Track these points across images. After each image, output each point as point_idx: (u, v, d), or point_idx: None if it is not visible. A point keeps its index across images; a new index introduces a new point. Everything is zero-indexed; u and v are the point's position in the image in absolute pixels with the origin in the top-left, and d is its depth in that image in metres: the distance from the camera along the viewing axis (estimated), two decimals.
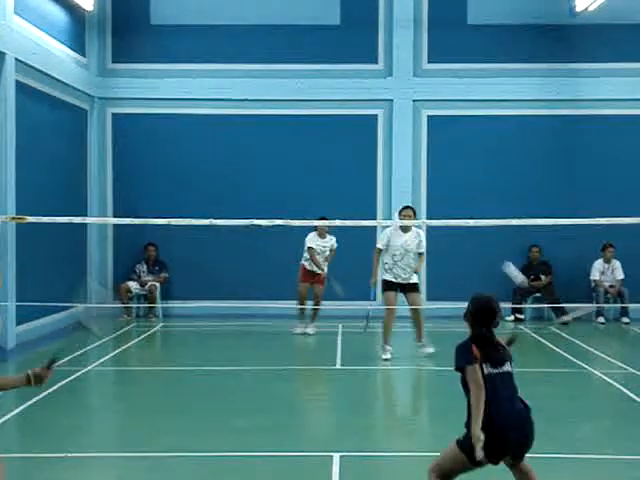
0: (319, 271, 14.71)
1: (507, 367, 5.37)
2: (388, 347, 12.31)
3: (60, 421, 8.74)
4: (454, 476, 5.33)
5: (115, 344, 13.99)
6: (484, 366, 5.27)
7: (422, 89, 17.54)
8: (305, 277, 14.85)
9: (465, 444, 5.14)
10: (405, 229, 12.40)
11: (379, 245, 12.46)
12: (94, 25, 17.51)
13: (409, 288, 12.40)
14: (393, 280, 12.30)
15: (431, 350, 12.45)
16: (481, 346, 5.33)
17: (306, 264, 14.79)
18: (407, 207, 12.68)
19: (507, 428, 5.09)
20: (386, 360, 12.17)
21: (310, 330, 14.78)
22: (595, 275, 17.07)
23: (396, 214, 12.91)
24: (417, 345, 12.66)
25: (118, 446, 8.04)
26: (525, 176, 17.58)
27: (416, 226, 12.71)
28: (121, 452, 7.71)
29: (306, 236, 14.70)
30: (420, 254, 12.42)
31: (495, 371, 5.30)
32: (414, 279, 12.46)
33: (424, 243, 12.48)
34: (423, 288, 17.49)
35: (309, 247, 14.61)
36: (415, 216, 12.63)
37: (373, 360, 12.34)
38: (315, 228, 14.66)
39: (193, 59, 17.61)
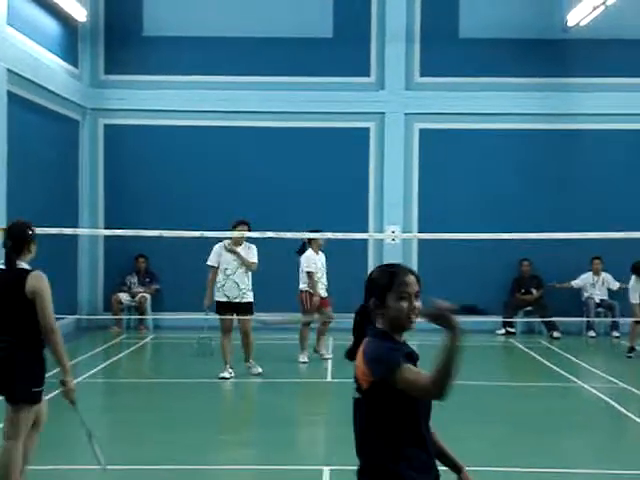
0: (325, 294, 13.51)
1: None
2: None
3: (48, 433, 8.68)
4: None
5: (105, 356, 13.94)
6: None
7: (414, 102, 17.59)
8: (314, 305, 13.30)
9: None
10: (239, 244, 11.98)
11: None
12: (87, 36, 17.52)
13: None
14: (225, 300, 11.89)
15: (259, 370, 12.06)
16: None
17: (310, 289, 13.22)
18: (242, 222, 12.06)
19: None
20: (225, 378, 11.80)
21: (327, 354, 13.79)
22: (580, 286, 17.11)
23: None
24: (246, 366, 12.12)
25: (109, 458, 7.99)
26: (516, 190, 17.61)
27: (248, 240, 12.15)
28: (112, 465, 7.66)
29: (300, 251, 13.38)
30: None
31: None
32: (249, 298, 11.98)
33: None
34: None
35: (309, 272, 13.13)
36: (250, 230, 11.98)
37: None
38: (308, 242, 13.32)
39: (185, 71, 17.62)
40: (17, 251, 6.00)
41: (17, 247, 6.01)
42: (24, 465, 6.15)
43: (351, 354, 3.68)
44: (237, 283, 11.88)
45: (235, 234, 11.82)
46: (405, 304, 3.54)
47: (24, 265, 5.99)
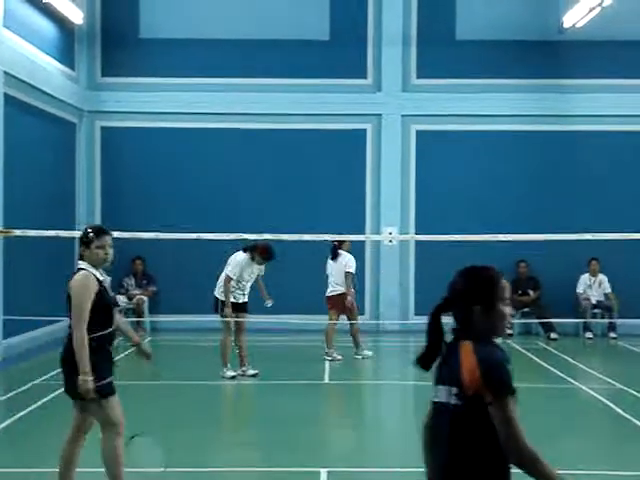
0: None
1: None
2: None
3: (44, 436, 8.68)
4: None
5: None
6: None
7: (411, 104, 17.60)
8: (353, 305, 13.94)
9: None
10: None
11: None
12: (83, 39, 17.51)
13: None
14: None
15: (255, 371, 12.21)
16: None
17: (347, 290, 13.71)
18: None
19: None
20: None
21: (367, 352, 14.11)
22: (579, 288, 17.12)
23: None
24: (242, 370, 12.23)
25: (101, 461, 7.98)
26: (513, 191, 17.63)
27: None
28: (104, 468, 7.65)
29: (334, 254, 13.76)
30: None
31: None
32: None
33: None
34: (411, 303, 17.56)
35: (352, 272, 13.66)
36: None
37: (361, 375, 12.33)
38: (339, 246, 13.74)
39: (182, 73, 17.61)
40: (80, 253, 6.34)
41: (80, 250, 6.35)
42: (72, 469, 6.32)
43: (426, 361, 3.53)
44: (246, 289, 12.18)
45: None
46: (508, 310, 3.51)
47: (82, 265, 6.18)
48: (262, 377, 12.04)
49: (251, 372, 12.16)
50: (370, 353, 13.94)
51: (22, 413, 9.47)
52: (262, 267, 12.32)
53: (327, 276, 13.90)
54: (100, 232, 6.30)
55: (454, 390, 3.35)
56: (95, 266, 6.20)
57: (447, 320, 3.55)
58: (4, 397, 10.70)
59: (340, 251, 13.75)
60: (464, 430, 3.33)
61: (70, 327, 6.06)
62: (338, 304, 13.70)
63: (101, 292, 6.12)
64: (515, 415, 3.25)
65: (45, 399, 10.22)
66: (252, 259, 12.05)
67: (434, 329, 3.54)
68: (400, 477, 7.49)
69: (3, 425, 9.04)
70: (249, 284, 12.25)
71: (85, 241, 6.23)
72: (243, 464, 7.65)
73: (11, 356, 13.51)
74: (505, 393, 3.27)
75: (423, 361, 3.53)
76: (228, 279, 11.91)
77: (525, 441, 3.24)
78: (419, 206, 17.71)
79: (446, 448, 3.38)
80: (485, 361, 3.32)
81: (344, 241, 13.79)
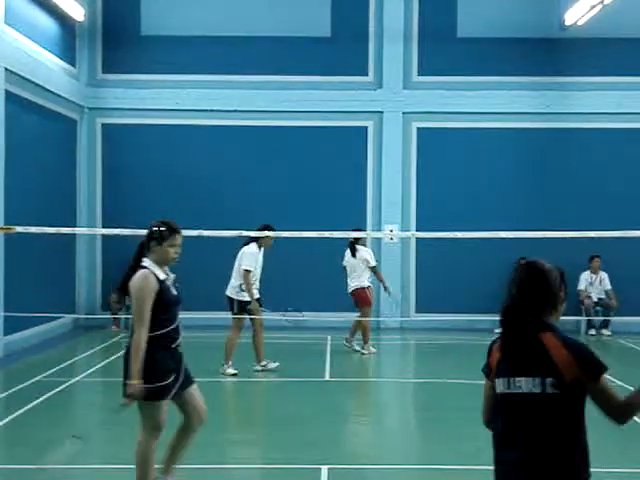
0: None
1: None
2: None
3: (46, 432, 8.69)
4: None
5: (103, 355, 13.93)
6: None
7: (412, 101, 17.59)
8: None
9: None
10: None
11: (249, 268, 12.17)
12: (84, 35, 17.51)
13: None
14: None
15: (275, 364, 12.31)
16: None
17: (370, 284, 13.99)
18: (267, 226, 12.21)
19: None
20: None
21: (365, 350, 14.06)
22: (581, 286, 17.12)
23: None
24: (261, 366, 12.27)
25: (105, 458, 7.99)
26: (514, 189, 17.63)
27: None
28: (108, 464, 7.67)
29: (352, 251, 13.83)
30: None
31: None
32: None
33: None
34: (411, 300, 17.55)
35: (375, 266, 13.99)
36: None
37: (363, 372, 12.33)
38: (355, 241, 13.82)
39: (183, 70, 17.61)
40: (147, 248, 6.04)
41: (146, 244, 6.06)
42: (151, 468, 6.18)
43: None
44: (259, 283, 12.17)
45: (259, 234, 11.92)
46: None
47: (145, 263, 5.97)
48: (262, 375, 12.03)
49: (272, 365, 12.22)
50: (374, 351, 13.95)
51: (22, 410, 9.47)
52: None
53: (346, 273, 13.92)
54: (174, 230, 6.04)
55: (549, 380, 3.54)
56: (160, 264, 5.98)
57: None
58: (5, 394, 10.70)
59: (357, 247, 13.86)
60: (561, 416, 3.55)
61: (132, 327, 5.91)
62: (366, 297, 13.81)
63: (162, 291, 5.90)
64: (614, 391, 3.61)
65: (46, 396, 10.23)
66: (259, 247, 12.10)
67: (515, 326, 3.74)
68: (401, 474, 7.49)
69: (4, 422, 9.04)
70: (258, 277, 12.22)
71: (157, 237, 5.97)
72: (243, 461, 7.65)
73: (12, 353, 13.52)
74: (603, 371, 3.57)
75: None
76: (247, 273, 11.90)
77: (621, 401, 3.62)
78: (420, 203, 17.70)
79: (542, 436, 3.55)
80: (574, 347, 3.58)
81: (359, 237, 13.87)
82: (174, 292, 6.09)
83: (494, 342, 3.86)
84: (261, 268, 12.16)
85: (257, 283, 12.12)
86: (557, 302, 3.72)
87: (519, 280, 3.81)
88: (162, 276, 5.98)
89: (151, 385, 5.87)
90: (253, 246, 12.05)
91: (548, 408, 3.55)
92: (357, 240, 13.83)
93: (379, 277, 14.07)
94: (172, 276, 6.14)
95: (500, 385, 3.67)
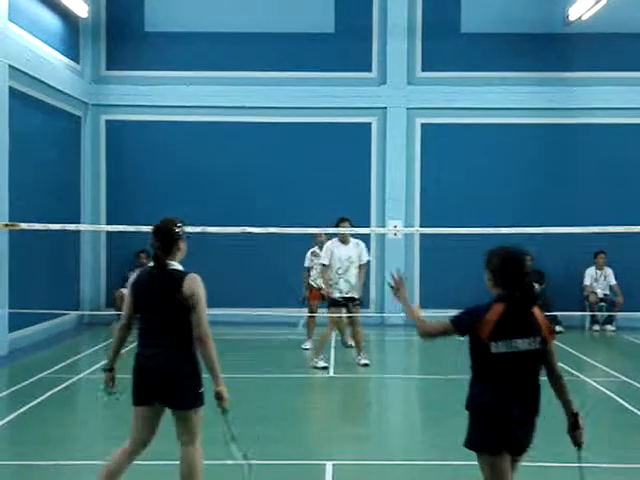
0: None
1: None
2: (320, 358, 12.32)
3: (50, 429, 8.71)
4: None
5: (108, 352, 13.93)
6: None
7: (416, 97, 17.58)
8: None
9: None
10: (345, 241, 12.27)
11: (325, 261, 12.21)
12: (88, 32, 17.51)
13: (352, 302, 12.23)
14: (338, 295, 12.14)
15: (366, 361, 12.38)
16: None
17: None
18: (344, 219, 12.28)
19: None
20: (324, 368, 12.14)
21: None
22: (586, 281, 17.11)
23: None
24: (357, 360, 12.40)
25: (110, 454, 8.00)
26: (518, 184, 17.61)
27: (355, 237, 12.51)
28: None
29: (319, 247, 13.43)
30: (361, 265, 12.23)
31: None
32: (355, 293, 12.21)
33: (365, 253, 12.36)
34: (415, 296, 17.54)
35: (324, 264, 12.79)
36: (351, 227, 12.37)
37: (366, 369, 12.33)
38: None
39: (187, 66, 17.61)
40: (166, 251, 5.66)
41: (166, 247, 5.66)
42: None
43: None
44: (349, 281, 12.09)
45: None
46: None
47: (176, 265, 5.67)
48: (264, 371, 12.04)
49: (363, 362, 12.28)
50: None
51: (27, 406, 9.48)
52: (356, 250, 12.20)
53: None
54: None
55: (538, 339, 4.72)
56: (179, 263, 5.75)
57: None
58: (10, 390, 10.72)
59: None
60: (540, 366, 4.85)
61: (171, 334, 5.72)
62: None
63: None
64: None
65: (50, 392, 10.24)
66: (340, 241, 12.14)
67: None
68: (405, 470, 7.49)
69: (9, 418, 9.06)
70: (343, 272, 12.07)
71: (182, 235, 5.72)
72: (248, 457, 7.64)
73: (17, 349, 13.54)
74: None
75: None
76: (324, 268, 12.13)
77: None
78: (424, 199, 17.70)
79: (537, 383, 4.89)
80: (546, 317, 4.86)
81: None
82: None
83: (482, 311, 4.70)
84: (347, 262, 12.08)
85: (344, 276, 12.04)
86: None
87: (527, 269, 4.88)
88: None
89: (202, 389, 5.93)
90: (331, 241, 12.23)
91: (538, 361, 4.79)
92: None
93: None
94: None
95: (501, 346, 4.64)
